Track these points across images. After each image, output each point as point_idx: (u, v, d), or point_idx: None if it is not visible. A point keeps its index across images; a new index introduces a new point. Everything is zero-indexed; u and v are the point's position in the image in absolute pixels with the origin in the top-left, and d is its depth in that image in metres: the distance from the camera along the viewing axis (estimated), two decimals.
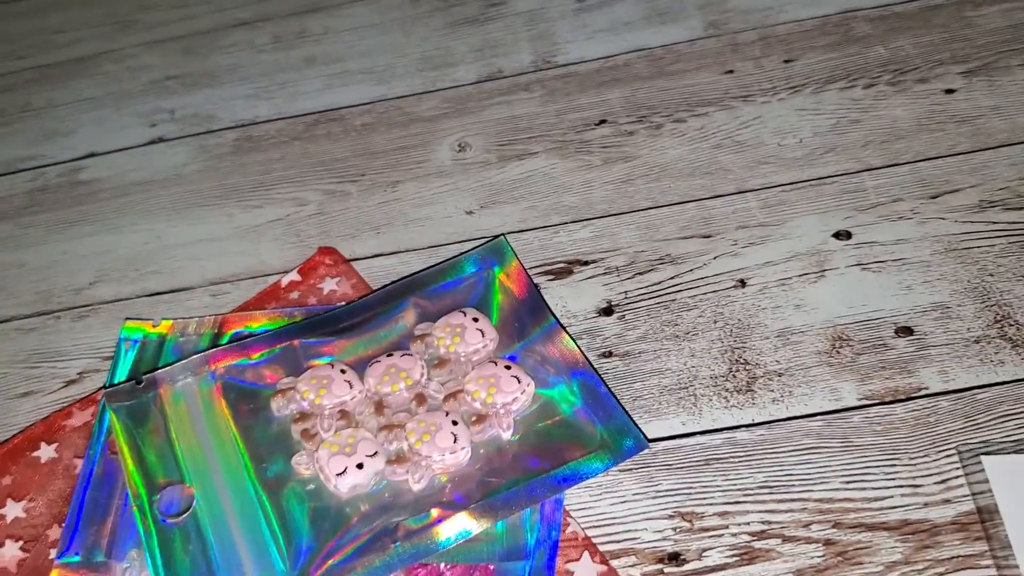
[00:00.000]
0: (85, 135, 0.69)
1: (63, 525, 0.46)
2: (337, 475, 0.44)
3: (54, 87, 0.73)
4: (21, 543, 0.47)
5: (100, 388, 0.52)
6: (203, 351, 0.51)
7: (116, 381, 0.51)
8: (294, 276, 0.56)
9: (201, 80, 0.71)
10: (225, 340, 0.52)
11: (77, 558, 0.45)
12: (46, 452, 0.50)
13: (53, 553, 0.45)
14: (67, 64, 0.75)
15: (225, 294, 0.56)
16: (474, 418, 0.46)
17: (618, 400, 0.47)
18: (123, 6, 0.79)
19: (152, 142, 0.67)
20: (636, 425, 0.46)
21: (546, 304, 0.51)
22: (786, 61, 0.62)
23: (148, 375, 0.50)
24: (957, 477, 0.43)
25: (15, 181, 0.67)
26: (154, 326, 0.54)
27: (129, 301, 0.57)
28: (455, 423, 0.46)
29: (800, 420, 0.46)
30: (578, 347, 0.49)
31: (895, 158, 0.56)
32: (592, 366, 0.49)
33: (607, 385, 0.48)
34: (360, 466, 0.44)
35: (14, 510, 0.48)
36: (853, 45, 0.63)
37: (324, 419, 0.47)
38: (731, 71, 0.63)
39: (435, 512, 0.43)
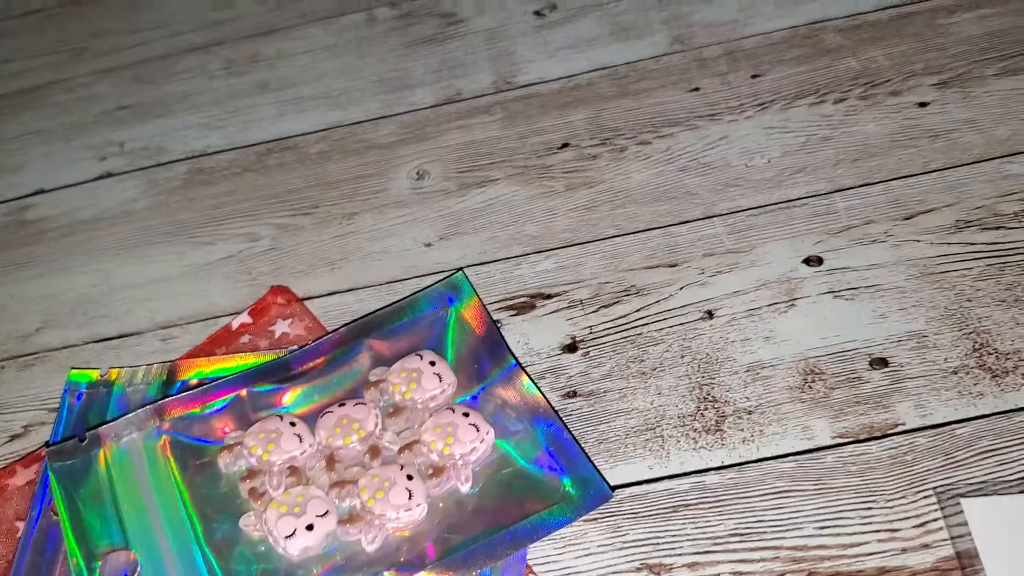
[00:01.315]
0: (33, 170, 0.66)
1: None
2: (286, 538, 0.42)
3: (2, 120, 0.71)
4: None
5: (45, 443, 0.50)
6: (150, 402, 0.49)
7: (60, 435, 0.49)
8: (245, 318, 0.53)
9: (153, 109, 0.68)
10: (175, 388, 0.50)
11: None
12: None
13: None
14: (16, 95, 0.73)
15: (175, 338, 0.54)
16: (431, 471, 0.44)
17: (581, 447, 0.45)
18: (74, 32, 0.76)
19: (101, 177, 0.65)
20: (600, 474, 0.44)
21: (506, 344, 0.49)
22: (753, 76, 0.60)
23: (91, 431, 0.48)
24: (936, 520, 0.41)
25: None
26: (101, 375, 0.52)
27: (77, 347, 0.55)
28: (410, 477, 0.44)
29: (771, 461, 0.44)
30: (539, 390, 0.47)
31: (867, 177, 0.54)
32: (555, 411, 0.46)
33: (569, 431, 0.46)
34: (310, 527, 0.42)
35: None
36: (823, 57, 0.60)
37: (273, 476, 0.45)
38: (696, 88, 0.60)
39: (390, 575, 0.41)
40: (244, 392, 0.48)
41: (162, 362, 0.52)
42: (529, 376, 0.48)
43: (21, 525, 0.47)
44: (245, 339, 0.53)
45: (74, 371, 0.52)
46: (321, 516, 0.43)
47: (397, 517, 0.43)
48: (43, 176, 0.66)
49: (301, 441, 0.45)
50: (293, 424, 0.46)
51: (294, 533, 0.42)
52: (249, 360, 0.51)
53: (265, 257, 0.57)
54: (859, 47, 0.60)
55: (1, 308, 0.58)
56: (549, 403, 0.47)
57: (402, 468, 0.44)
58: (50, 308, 0.58)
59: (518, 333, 0.51)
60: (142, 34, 0.75)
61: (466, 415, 0.45)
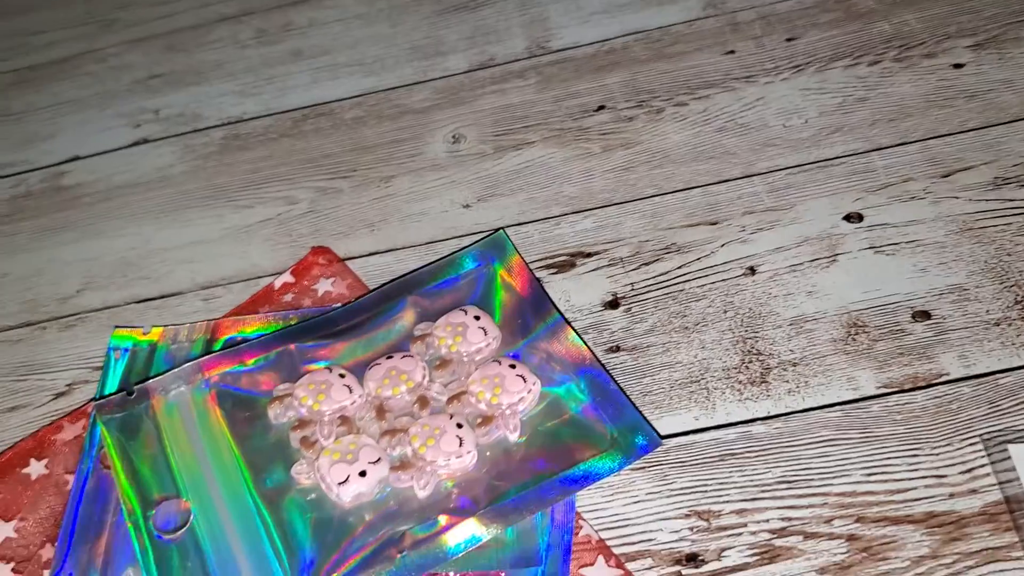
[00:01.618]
0: (67, 138, 0.67)
1: (56, 544, 0.44)
2: (339, 484, 0.43)
3: (34, 90, 0.71)
4: (13, 564, 0.45)
5: (90, 400, 0.50)
6: (196, 358, 0.49)
7: (106, 392, 0.50)
8: (287, 278, 0.54)
9: (186, 78, 0.69)
10: (218, 346, 0.51)
11: None
12: (36, 468, 0.48)
13: (46, 574, 0.44)
14: (47, 66, 0.73)
15: (217, 298, 0.55)
16: (479, 420, 0.45)
17: (628, 397, 0.45)
18: (102, 5, 0.77)
19: (136, 143, 0.65)
20: (648, 422, 0.44)
21: (549, 299, 0.50)
22: (788, 40, 0.60)
23: (139, 385, 0.48)
24: (983, 466, 0.41)
25: None
26: (144, 334, 0.52)
27: (118, 308, 0.56)
28: (460, 426, 0.44)
29: (817, 411, 0.44)
30: (584, 343, 0.47)
31: (904, 136, 0.54)
32: (600, 362, 0.47)
33: (616, 382, 0.46)
34: (363, 474, 0.43)
35: (5, 530, 0.46)
36: (856, 21, 0.61)
37: (324, 426, 0.45)
38: (732, 51, 0.61)
39: (443, 520, 0.42)
40: (292, 347, 0.48)
41: (205, 320, 0.52)
42: (574, 329, 0.48)
43: (70, 478, 0.47)
44: (288, 298, 0.53)
45: (116, 333, 0.52)
46: (373, 463, 0.43)
47: (448, 463, 0.43)
48: (77, 143, 0.66)
49: (351, 392, 0.46)
50: (342, 376, 0.46)
51: (347, 480, 0.43)
52: (292, 320, 0.51)
53: (304, 219, 0.58)
54: (892, 11, 0.61)
55: (40, 271, 0.59)
56: (594, 354, 0.47)
57: (451, 417, 0.44)
58: (90, 270, 0.58)
59: (559, 291, 0.51)
60: (171, 5, 0.75)
61: (513, 366, 0.46)
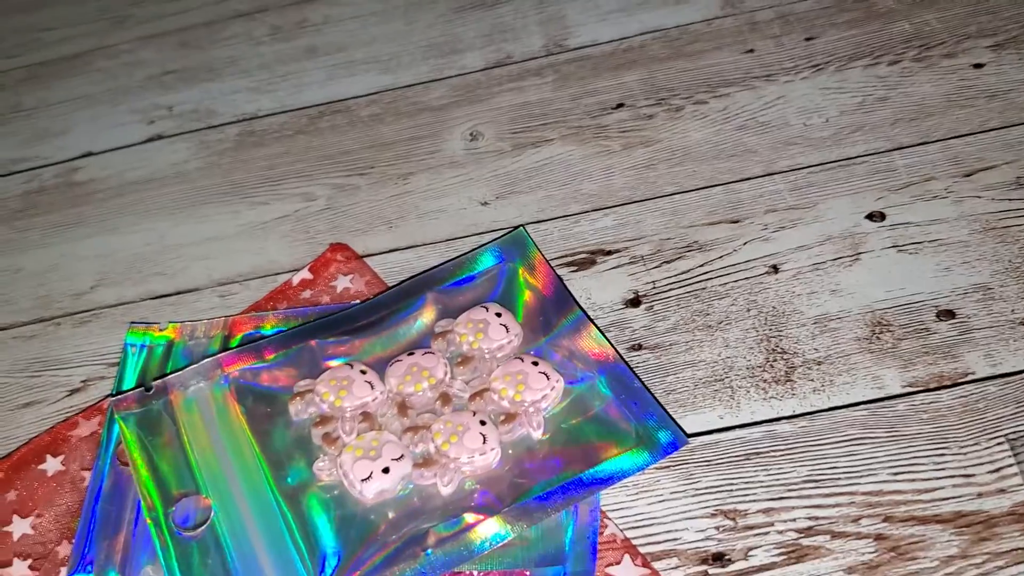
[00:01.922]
0: (80, 134, 0.66)
1: (73, 541, 0.44)
2: (362, 480, 0.42)
3: (46, 86, 0.71)
4: (30, 561, 0.44)
5: (106, 396, 0.50)
6: (214, 354, 0.49)
7: (123, 388, 0.49)
8: (305, 274, 0.53)
9: (200, 74, 0.68)
10: (235, 343, 0.50)
11: (90, 575, 0.42)
12: (52, 465, 0.48)
13: (63, 571, 0.43)
14: (59, 62, 0.72)
15: (233, 295, 0.54)
16: (502, 417, 0.44)
17: (653, 395, 0.45)
18: (114, 2, 0.76)
19: (150, 139, 0.65)
20: (674, 420, 0.44)
21: (572, 296, 0.49)
22: (807, 39, 0.60)
23: (158, 381, 0.48)
24: (1011, 465, 0.41)
25: (9, 183, 0.64)
26: (160, 330, 0.52)
27: (133, 304, 0.55)
28: (483, 423, 0.44)
29: (843, 410, 0.44)
30: (608, 340, 0.47)
31: (926, 136, 0.54)
32: (623, 359, 0.46)
33: (640, 379, 0.46)
34: (386, 470, 0.42)
35: (21, 527, 0.46)
36: (875, 21, 0.61)
37: (346, 422, 0.45)
38: (751, 50, 0.60)
39: (467, 517, 0.41)
40: (312, 343, 0.48)
41: (223, 316, 0.52)
42: (597, 326, 0.48)
43: (87, 475, 0.47)
44: (306, 294, 0.53)
45: (132, 329, 0.52)
46: (396, 459, 0.43)
47: (471, 460, 0.43)
48: (90, 139, 0.66)
49: (372, 388, 0.45)
50: (363, 372, 0.46)
51: (370, 476, 0.42)
52: (310, 318, 0.51)
53: (322, 216, 0.57)
54: (911, 11, 0.61)
55: (54, 267, 0.58)
56: (618, 352, 0.47)
57: (474, 414, 0.44)
58: (104, 266, 0.58)
59: (580, 288, 0.51)
60: (185, 2, 0.75)
61: (535, 363, 0.45)
